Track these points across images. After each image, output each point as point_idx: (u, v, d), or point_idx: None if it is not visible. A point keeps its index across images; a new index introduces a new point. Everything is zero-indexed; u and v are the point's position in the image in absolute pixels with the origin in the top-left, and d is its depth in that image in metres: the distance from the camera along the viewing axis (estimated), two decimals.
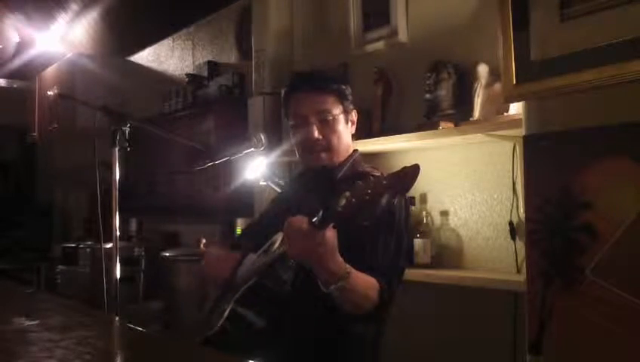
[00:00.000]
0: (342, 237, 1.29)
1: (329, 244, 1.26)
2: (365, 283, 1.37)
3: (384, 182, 1.10)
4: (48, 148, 6.13)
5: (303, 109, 1.60)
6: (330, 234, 1.26)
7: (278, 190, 2.03)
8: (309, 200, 1.56)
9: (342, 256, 1.31)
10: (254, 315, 1.49)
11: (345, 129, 1.63)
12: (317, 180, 1.66)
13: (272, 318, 1.47)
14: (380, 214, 1.16)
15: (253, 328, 1.48)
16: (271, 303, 1.47)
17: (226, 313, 1.50)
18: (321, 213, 1.22)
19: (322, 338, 1.47)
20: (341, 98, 1.61)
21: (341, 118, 1.61)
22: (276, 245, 1.50)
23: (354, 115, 1.67)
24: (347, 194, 1.14)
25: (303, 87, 1.63)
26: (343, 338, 1.48)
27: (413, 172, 1.12)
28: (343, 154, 1.64)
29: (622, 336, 1.36)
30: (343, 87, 1.64)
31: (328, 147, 1.60)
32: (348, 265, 1.31)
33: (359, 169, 1.63)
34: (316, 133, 1.58)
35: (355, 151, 1.69)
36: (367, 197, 1.11)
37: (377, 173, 1.58)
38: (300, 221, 1.26)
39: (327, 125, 1.59)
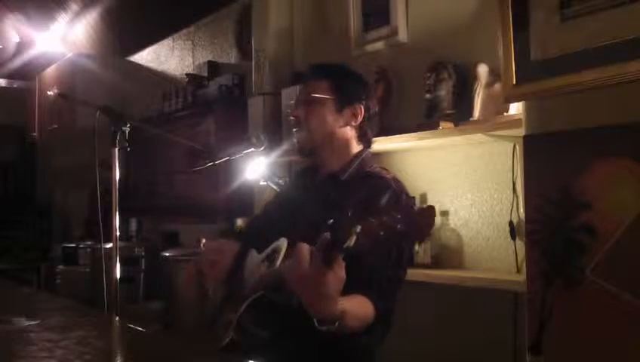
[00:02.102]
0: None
1: (332, 289, 1.15)
2: (360, 318, 1.31)
3: (399, 226, 1.01)
4: (48, 148, 6.12)
5: (298, 93, 1.67)
6: (337, 280, 1.15)
7: (278, 190, 2.02)
8: (314, 204, 1.54)
9: None
10: (262, 328, 1.47)
11: (333, 116, 1.60)
12: (321, 180, 1.64)
13: (280, 329, 1.45)
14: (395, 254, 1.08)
15: (260, 339, 1.47)
16: (278, 315, 1.45)
17: (233, 325, 1.48)
18: (324, 247, 1.12)
19: (328, 346, 1.46)
20: (335, 85, 1.60)
21: (328, 103, 1.59)
22: (281, 255, 1.47)
23: (357, 110, 1.61)
24: (357, 230, 1.04)
25: (306, 76, 1.71)
26: (349, 346, 1.47)
27: (429, 218, 1.04)
28: (328, 142, 1.61)
29: (622, 336, 1.36)
30: (344, 76, 1.65)
31: (305, 126, 1.60)
32: (342, 303, 1.22)
33: (366, 169, 1.60)
34: (295, 110, 1.62)
35: (365, 149, 1.65)
36: (379, 240, 1.02)
37: (387, 175, 1.56)
38: (307, 254, 1.16)
39: (309, 106, 1.60)
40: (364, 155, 1.63)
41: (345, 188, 1.54)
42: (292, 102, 1.70)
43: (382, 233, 1.02)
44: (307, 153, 1.66)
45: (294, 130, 1.64)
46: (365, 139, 1.66)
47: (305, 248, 1.16)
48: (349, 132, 1.62)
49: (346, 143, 1.62)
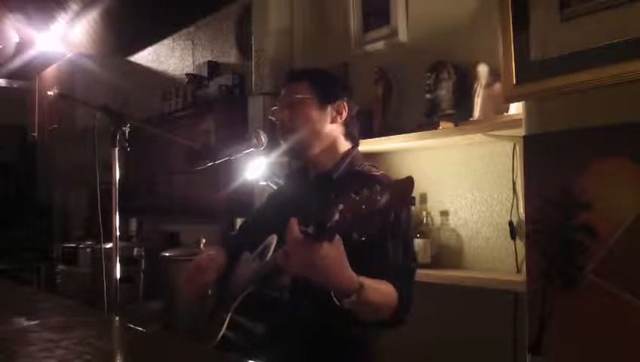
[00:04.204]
0: (345, 245, 1.23)
1: (332, 257, 1.19)
2: (381, 292, 1.32)
3: (379, 198, 1.06)
4: (48, 148, 6.13)
5: (280, 98, 1.67)
6: (333, 247, 1.18)
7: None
8: (307, 202, 1.55)
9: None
10: (254, 323, 1.48)
11: (317, 113, 1.60)
12: (313, 178, 1.65)
13: (272, 325, 1.46)
14: (380, 226, 1.12)
15: (253, 335, 1.47)
16: (270, 310, 1.46)
17: (226, 322, 1.49)
18: (313, 228, 1.16)
19: (322, 342, 1.46)
20: (315, 84, 1.61)
21: (312, 102, 1.60)
22: (271, 249, 1.48)
23: (340, 106, 1.62)
24: (340, 207, 1.08)
25: (286, 80, 1.70)
26: (342, 341, 1.47)
27: (407, 186, 1.08)
28: (317, 141, 1.61)
29: (622, 336, 1.36)
30: (322, 76, 1.66)
31: (292, 128, 1.60)
32: (361, 277, 1.25)
33: (357, 167, 1.61)
34: (280, 114, 1.63)
35: (353, 148, 1.66)
36: (362, 214, 1.06)
37: (377, 172, 1.57)
38: (299, 236, 1.20)
39: (294, 108, 1.61)
40: (353, 154, 1.64)
41: (336, 186, 1.55)
42: (274, 108, 1.69)
43: (364, 206, 1.06)
44: (296, 154, 1.67)
45: (280, 133, 1.64)
46: (352, 138, 1.67)
47: (296, 233, 1.20)
48: (336, 129, 1.63)
49: (333, 141, 1.63)
